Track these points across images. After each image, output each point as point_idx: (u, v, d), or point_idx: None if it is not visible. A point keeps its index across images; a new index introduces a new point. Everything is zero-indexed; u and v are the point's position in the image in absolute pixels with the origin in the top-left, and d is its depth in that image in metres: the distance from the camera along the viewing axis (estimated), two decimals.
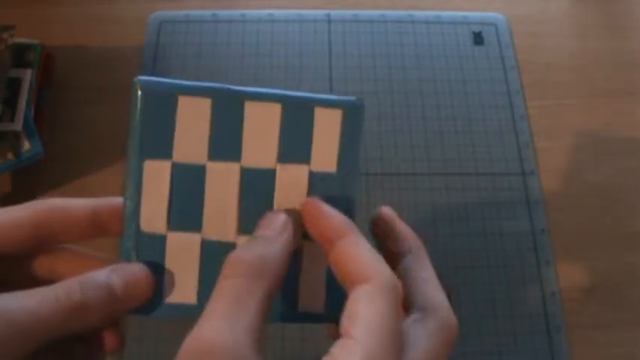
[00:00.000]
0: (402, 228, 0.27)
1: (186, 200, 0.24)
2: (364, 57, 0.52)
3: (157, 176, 0.24)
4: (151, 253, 0.23)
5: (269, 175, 0.24)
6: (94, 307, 0.21)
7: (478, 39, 0.53)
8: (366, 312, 0.20)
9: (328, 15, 0.53)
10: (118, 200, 0.24)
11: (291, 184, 0.24)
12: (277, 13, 0.53)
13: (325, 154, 0.24)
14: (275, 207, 0.24)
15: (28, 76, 0.45)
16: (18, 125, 0.43)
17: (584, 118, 0.50)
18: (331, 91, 0.50)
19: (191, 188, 0.24)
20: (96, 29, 0.52)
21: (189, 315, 0.23)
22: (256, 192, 0.24)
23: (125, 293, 0.22)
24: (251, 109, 0.24)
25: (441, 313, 0.22)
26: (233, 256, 0.21)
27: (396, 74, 0.51)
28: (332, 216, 0.23)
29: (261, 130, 0.24)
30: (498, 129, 0.49)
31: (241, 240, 0.24)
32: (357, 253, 0.22)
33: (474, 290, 0.43)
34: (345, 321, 0.20)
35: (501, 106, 0.50)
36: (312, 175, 0.24)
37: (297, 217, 0.23)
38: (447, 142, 0.48)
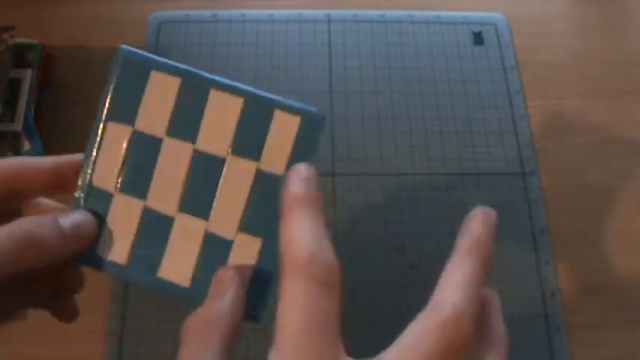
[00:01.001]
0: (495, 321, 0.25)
1: (138, 167, 0.25)
2: (364, 57, 0.52)
3: (116, 138, 0.25)
4: (97, 207, 0.25)
5: (218, 163, 0.25)
6: (45, 242, 0.22)
7: (478, 39, 0.53)
8: (288, 301, 0.20)
9: (328, 15, 0.53)
10: (78, 157, 0.26)
11: (237, 176, 0.25)
12: (277, 13, 0.53)
13: (276, 156, 0.25)
14: (217, 194, 0.25)
15: (28, 76, 0.45)
16: (18, 125, 0.43)
17: (584, 118, 0.50)
18: (331, 92, 0.50)
19: (145, 157, 0.25)
20: (96, 29, 0.52)
21: (116, 274, 0.25)
22: (203, 175, 0.25)
23: (72, 233, 0.24)
24: (215, 97, 0.25)
25: (444, 311, 0.21)
26: (190, 317, 0.22)
27: (396, 74, 0.51)
28: (293, 183, 0.23)
29: (220, 119, 0.25)
30: (498, 129, 0.49)
31: (180, 216, 0.25)
32: (293, 227, 0.22)
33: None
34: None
35: (501, 106, 0.50)
36: (258, 173, 0.25)
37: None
38: (447, 142, 0.48)
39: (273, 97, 0.25)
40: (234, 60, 0.51)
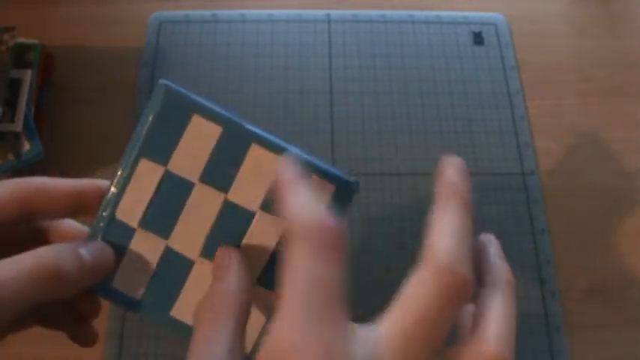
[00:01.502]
0: (494, 260, 0.25)
1: (165, 207, 0.25)
2: (364, 57, 0.52)
3: (147, 176, 0.25)
4: (117, 240, 0.25)
5: (247, 216, 0.25)
6: (67, 276, 0.22)
7: (478, 39, 0.53)
8: (288, 269, 0.20)
9: (328, 15, 0.53)
10: (103, 183, 0.25)
11: (263, 232, 0.25)
12: (277, 13, 0.53)
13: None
14: (242, 246, 0.25)
15: (28, 76, 0.45)
16: (18, 126, 0.43)
17: (584, 118, 0.50)
18: (331, 92, 0.50)
19: (173, 198, 0.25)
20: (96, 29, 0.52)
21: (128, 308, 0.25)
22: (230, 226, 0.25)
23: (92, 265, 0.23)
24: (255, 151, 0.25)
25: (437, 259, 0.20)
26: (203, 299, 0.23)
27: (396, 74, 0.51)
28: (288, 164, 0.23)
29: (256, 174, 0.25)
30: (498, 129, 0.49)
31: (200, 261, 0.25)
32: (290, 200, 0.21)
33: (473, 290, 0.43)
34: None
35: (501, 106, 0.50)
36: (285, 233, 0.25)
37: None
38: (447, 142, 0.48)
39: (316, 160, 0.25)
40: (234, 60, 0.51)
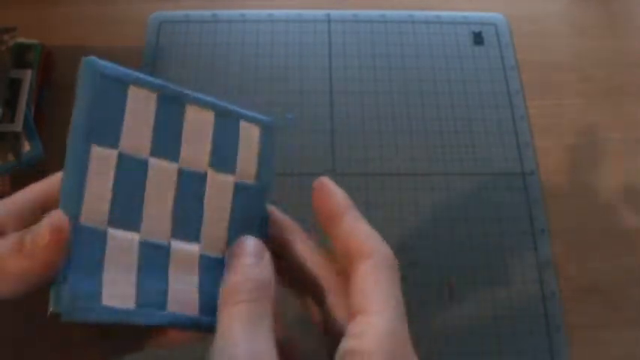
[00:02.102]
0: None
1: (128, 195, 0.23)
2: (364, 57, 0.52)
3: (102, 165, 0.22)
4: (89, 249, 0.21)
5: (201, 180, 0.24)
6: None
7: (478, 39, 0.53)
8: (377, 286, 0.21)
9: (328, 15, 0.53)
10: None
11: (218, 191, 0.25)
12: (277, 13, 0.53)
13: (247, 165, 0.25)
14: (205, 213, 0.24)
15: (28, 76, 0.45)
16: (18, 126, 0.43)
17: (584, 118, 0.50)
18: (331, 92, 0.50)
19: (133, 183, 0.23)
20: (96, 29, 0.52)
21: (127, 320, 0.22)
22: (189, 195, 0.24)
23: (32, 248, 0.20)
24: (191, 111, 0.24)
25: (379, 251, 0.23)
26: (231, 285, 0.22)
27: (396, 74, 0.51)
28: (336, 192, 0.24)
29: (197, 133, 0.24)
30: (498, 129, 0.49)
31: (174, 242, 0.23)
32: (358, 227, 0.23)
33: (474, 290, 0.43)
34: (357, 297, 0.21)
35: (501, 106, 0.50)
36: (236, 185, 0.25)
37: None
38: (447, 142, 0.48)
39: (236, 108, 0.25)
40: (234, 60, 0.51)
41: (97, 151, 0.22)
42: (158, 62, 0.50)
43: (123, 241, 0.22)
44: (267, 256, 0.23)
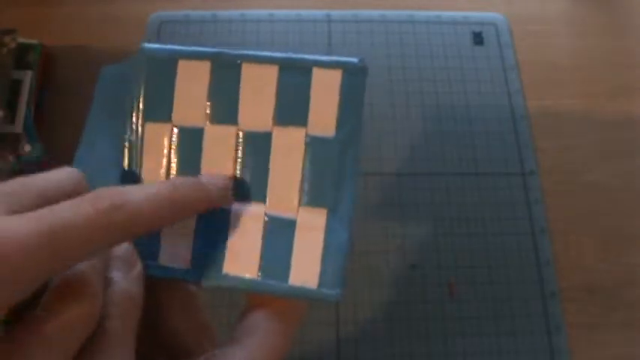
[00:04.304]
0: None
1: (185, 164, 0.23)
2: (364, 57, 0.51)
3: (157, 140, 0.23)
4: None
5: (265, 139, 0.23)
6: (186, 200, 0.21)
7: (478, 39, 0.53)
8: (261, 330, 0.21)
9: (328, 15, 0.53)
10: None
11: (287, 147, 0.23)
12: (277, 13, 0.53)
13: (323, 117, 0.23)
14: (271, 172, 0.23)
15: (28, 77, 0.45)
16: (18, 127, 0.43)
17: (584, 118, 0.50)
18: None
19: (190, 151, 0.23)
20: (96, 29, 0.52)
21: (181, 277, 0.23)
22: (252, 157, 0.23)
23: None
24: (248, 71, 0.23)
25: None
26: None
27: (396, 74, 0.51)
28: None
29: (258, 92, 0.23)
30: (498, 129, 0.49)
31: (236, 206, 0.23)
32: None
33: (474, 290, 0.43)
34: (240, 331, 0.21)
35: (501, 106, 0.50)
36: (308, 139, 0.23)
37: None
38: (447, 142, 0.48)
39: (308, 56, 0.23)
40: None
41: (150, 127, 0.23)
42: None
43: None
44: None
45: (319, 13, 0.53)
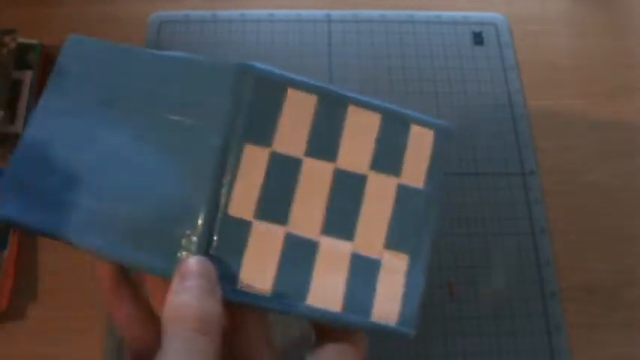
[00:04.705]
0: None
1: (277, 190, 0.24)
2: (364, 57, 0.52)
3: (254, 162, 0.24)
4: (233, 238, 0.23)
5: (359, 181, 0.24)
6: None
7: (478, 39, 0.53)
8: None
9: (328, 15, 0.53)
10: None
11: (379, 192, 0.24)
12: (277, 13, 0.53)
13: (415, 169, 0.25)
14: (361, 213, 0.24)
15: (28, 77, 0.45)
16: (18, 127, 0.43)
17: (584, 118, 0.50)
18: None
19: (284, 180, 0.24)
20: (96, 29, 0.52)
21: (261, 304, 0.23)
22: (345, 194, 0.24)
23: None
24: (353, 114, 0.24)
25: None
26: (178, 308, 0.21)
27: (396, 74, 0.51)
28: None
29: (359, 135, 0.24)
30: (498, 129, 0.49)
31: (324, 240, 0.24)
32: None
33: (473, 290, 0.43)
34: None
35: (501, 106, 0.50)
36: (399, 188, 0.25)
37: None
38: None
39: (407, 111, 0.25)
40: (234, 60, 0.51)
41: (249, 149, 0.24)
42: None
43: (266, 232, 0.23)
44: (194, 282, 0.21)
45: (319, 13, 0.53)
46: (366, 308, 0.24)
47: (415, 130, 0.25)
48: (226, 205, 0.23)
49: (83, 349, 0.40)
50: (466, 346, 0.42)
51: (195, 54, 0.26)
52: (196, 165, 0.24)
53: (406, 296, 0.24)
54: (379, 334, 0.24)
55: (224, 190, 0.23)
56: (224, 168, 0.23)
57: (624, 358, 0.42)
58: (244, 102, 0.24)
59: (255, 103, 0.24)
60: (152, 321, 0.25)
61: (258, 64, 0.24)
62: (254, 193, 0.24)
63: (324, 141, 0.24)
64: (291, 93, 0.24)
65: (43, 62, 0.47)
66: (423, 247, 0.25)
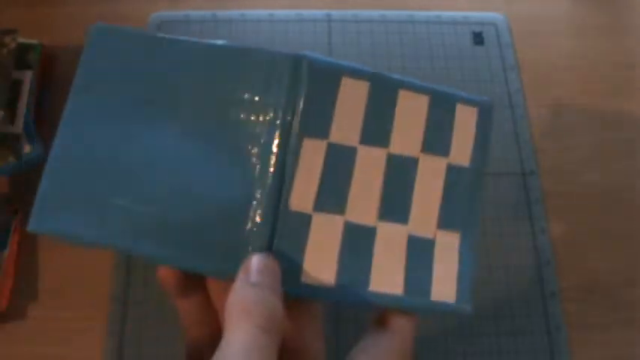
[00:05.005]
0: None
1: (335, 181, 0.24)
2: (364, 57, 0.52)
3: (312, 155, 0.24)
4: (295, 233, 0.23)
5: (412, 164, 0.24)
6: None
7: (478, 39, 0.53)
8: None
9: (328, 15, 0.53)
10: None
11: (430, 174, 0.25)
12: (277, 13, 0.53)
13: (461, 148, 0.25)
14: (414, 195, 0.24)
15: (28, 77, 0.45)
16: (18, 128, 0.43)
17: (584, 118, 0.50)
18: None
19: (340, 170, 0.24)
20: None
21: (326, 296, 0.23)
22: (398, 179, 0.24)
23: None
24: (404, 98, 0.24)
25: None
26: (244, 302, 0.21)
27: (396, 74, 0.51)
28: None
29: (409, 119, 0.24)
30: (498, 129, 0.49)
31: (381, 225, 0.24)
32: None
33: (473, 290, 0.43)
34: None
35: (501, 106, 0.50)
36: (449, 167, 0.25)
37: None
38: None
39: (452, 91, 0.25)
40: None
41: (308, 143, 0.24)
42: None
43: (326, 223, 0.23)
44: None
45: (319, 13, 0.53)
46: (426, 289, 0.24)
47: (460, 108, 0.25)
48: (287, 201, 0.23)
49: (83, 349, 0.40)
50: (466, 346, 0.42)
51: (239, 42, 0.25)
52: (254, 163, 0.23)
53: (461, 273, 0.25)
54: (438, 312, 0.24)
55: (285, 186, 0.23)
56: (284, 165, 0.23)
57: (624, 358, 0.42)
58: (300, 95, 0.24)
59: (311, 94, 0.24)
60: (209, 322, 0.26)
61: (310, 53, 0.24)
62: (313, 187, 0.24)
63: (376, 127, 0.24)
64: (345, 81, 0.24)
65: (43, 62, 0.47)
66: (473, 224, 0.25)
